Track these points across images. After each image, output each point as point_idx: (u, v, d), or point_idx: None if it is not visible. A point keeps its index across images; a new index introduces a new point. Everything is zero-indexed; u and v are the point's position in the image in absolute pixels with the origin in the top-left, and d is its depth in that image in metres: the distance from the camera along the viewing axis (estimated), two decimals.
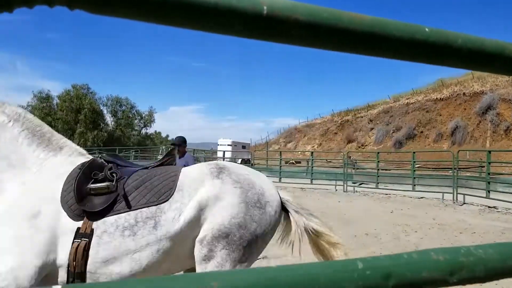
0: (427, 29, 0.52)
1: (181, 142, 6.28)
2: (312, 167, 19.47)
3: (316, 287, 0.44)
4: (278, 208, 2.54)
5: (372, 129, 40.13)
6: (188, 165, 5.84)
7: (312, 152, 22.44)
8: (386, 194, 14.41)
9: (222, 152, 23.74)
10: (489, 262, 0.60)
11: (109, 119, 50.11)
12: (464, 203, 11.83)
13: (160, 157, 23.54)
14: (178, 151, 6.20)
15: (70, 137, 43.18)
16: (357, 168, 20.66)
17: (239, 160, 35.99)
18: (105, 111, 49.37)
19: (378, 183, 15.55)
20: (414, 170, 14.74)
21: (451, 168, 14.41)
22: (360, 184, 16.96)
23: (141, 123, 53.24)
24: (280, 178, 18.38)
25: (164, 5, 0.38)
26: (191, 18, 0.40)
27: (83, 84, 47.63)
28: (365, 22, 0.47)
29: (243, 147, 41.88)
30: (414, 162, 14.87)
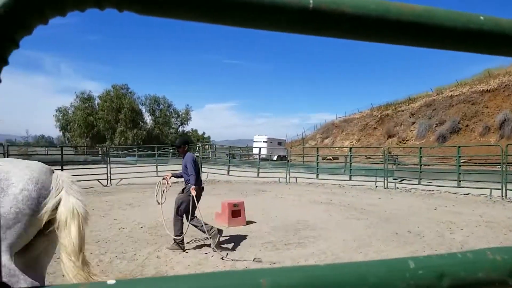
0: (482, 18, 0.49)
1: (181, 143, 6.41)
2: (351, 163, 19.09)
3: (365, 286, 0.43)
4: (27, 190, 2.61)
5: (413, 123, 38.77)
6: (186, 164, 5.97)
7: (350, 148, 21.98)
8: (429, 191, 13.88)
9: (257, 149, 23.72)
10: None
11: (147, 117, 51.71)
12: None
13: (197, 154, 23.88)
14: (179, 151, 6.43)
15: (111, 136, 45.00)
16: (398, 164, 20.02)
17: (275, 157, 35.99)
18: (143, 110, 51.00)
19: (420, 179, 15.00)
20: (460, 166, 14.09)
21: (499, 163, 13.66)
22: (401, 181, 16.44)
23: (178, 121, 54.45)
24: (318, 174, 18.16)
25: (212, 4, 0.38)
26: (237, 15, 0.40)
27: (123, 84, 49.42)
28: (416, 12, 0.45)
29: (279, 143, 41.82)
30: (460, 157, 14.20)
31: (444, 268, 0.48)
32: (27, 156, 25.44)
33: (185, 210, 5.94)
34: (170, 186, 6.32)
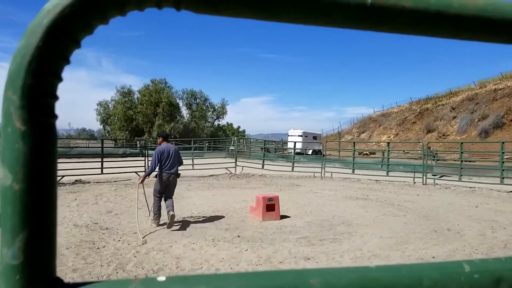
0: None
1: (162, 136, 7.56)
2: (388, 158, 18.61)
3: None
4: None
5: (454, 117, 37.20)
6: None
7: (388, 143, 21.43)
8: (470, 188, 13.30)
9: (292, 143, 23.56)
10: None
11: (184, 111, 52.59)
12: None
13: (232, 147, 24.26)
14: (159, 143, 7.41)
15: (149, 129, 46.18)
16: (438, 160, 19.28)
17: (310, 151, 35.66)
18: (181, 104, 51.86)
19: (461, 175, 14.40)
20: (503, 162, 13.38)
21: None
22: (441, 177, 15.85)
23: (214, 115, 55.05)
24: (353, 169, 17.85)
25: (269, 1, 0.38)
26: (295, 11, 0.40)
27: (161, 79, 50.41)
28: (479, 6, 0.42)
29: (314, 137, 41.35)
30: (503, 153, 13.49)
31: (501, 273, 0.46)
32: (69, 149, 26.71)
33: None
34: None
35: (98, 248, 5.46)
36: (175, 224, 6.99)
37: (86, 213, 7.84)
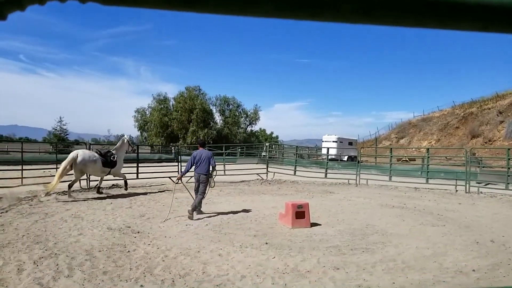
0: None
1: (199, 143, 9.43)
2: (428, 165, 17.81)
3: None
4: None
5: (502, 122, 35.11)
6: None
7: (428, 149, 20.55)
8: None
9: (326, 149, 23.08)
10: None
11: (217, 117, 53.17)
12: None
13: (264, 153, 24.36)
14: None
15: (184, 135, 47.04)
16: (483, 167, 18.23)
17: (345, 157, 34.89)
18: (214, 110, 52.48)
19: (508, 183, 13.50)
20: None
21: None
22: (486, 185, 14.97)
23: (247, 121, 55.23)
24: (391, 176, 17.23)
25: None
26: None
27: (195, 86, 51.32)
28: None
29: (350, 143, 40.45)
30: None
31: None
32: None
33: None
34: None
35: (128, 251, 5.54)
36: (205, 227, 7.01)
37: (120, 217, 8.02)
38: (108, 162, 11.37)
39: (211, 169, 8.69)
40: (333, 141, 36.92)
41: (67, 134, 48.05)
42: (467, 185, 13.95)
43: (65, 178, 10.92)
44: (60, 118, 46.27)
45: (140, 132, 51.84)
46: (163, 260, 5.12)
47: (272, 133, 62.87)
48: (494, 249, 6.03)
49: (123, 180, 12.23)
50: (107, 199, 10.46)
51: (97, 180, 11.81)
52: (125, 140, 12.43)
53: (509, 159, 14.26)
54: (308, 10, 0.40)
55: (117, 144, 12.38)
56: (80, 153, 10.82)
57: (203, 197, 8.62)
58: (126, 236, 6.42)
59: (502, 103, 37.62)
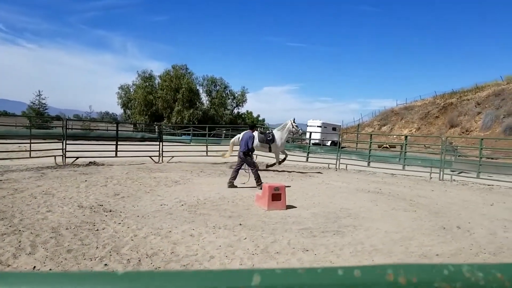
0: None
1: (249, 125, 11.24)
2: (405, 152, 18.11)
3: None
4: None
5: (479, 113, 35.91)
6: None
7: (406, 136, 20.85)
8: (488, 185, 12.83)
9: (309, 134, 23.14)
10: None
11: (204, 98, 52.60)
12: None
13: None
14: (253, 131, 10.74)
15: (169, 114, 46.49)
16: (458, 156, 18.65)
17: (329, 142, 35.15)
18: (200, 91, 51.86)
19: (479, 172, 13.88)
20: None
21: None
22: (459, 173, 15.35)
23: (234, 102, 54.86)
24: (369, 162, 17.47)
25: None
26: None
27: (182, 65, 50.46)
28: None
29: (334, 129, 40.71)
30: None
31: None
32: (89, 131, 27.21)
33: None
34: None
35: (97, 230, 5.49)
36: (180, 207, 7.02)
37: (93, 195, 7.92)
38: (266, 140, 13.60)
39: (246, 148, 10.01)
40: (317, 126, 37.15)
41: (46, 109, 46.92)
42: (441, 173, 14.28)
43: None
44: (39, 92, 45.08)
45: (124, 109, 50.95)
46: (132, 240, 5.10)
47: (258, 115, 62.66)
48: (459, 235, 6.22)
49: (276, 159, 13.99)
50: (82, 176, 10.31)
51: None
52: (289, 123, 14.03)
53: (481, 148, 14.62)
54: None
55: (281, 125, 14.26)
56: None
57: (254, 169, 10.02)
58: (96, 214, 6.35)
59: (481, 95, 38.37)
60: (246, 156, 10.04)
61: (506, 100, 34.27)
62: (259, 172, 10.24)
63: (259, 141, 13.34)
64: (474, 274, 0.44)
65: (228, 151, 13.57)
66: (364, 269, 0.45)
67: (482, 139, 15.00)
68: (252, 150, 10.30)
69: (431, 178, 14.40)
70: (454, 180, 13.82)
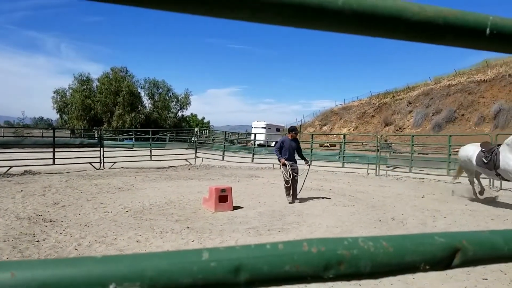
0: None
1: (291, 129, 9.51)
2: (344, 150, 19.09)
3: (138, 280, 0.42)
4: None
5: (411, 112, 38.72)
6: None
7: (344, 135, 21.93)
8: (420, 179, 13.94)
9: (254, 135, 23.59)
10: (377, 257, 0.56)
11: (146, 101, 51.26)
12: (501, 189, 11.27)
13: (194, 138, 23.73)
14: (291, 135, 9.25)
15: (109, 119, 44.75)
16: (393, 152, 20.03)
17: (273, 143, 35.92)
18: (142, 94, 50.50)
19: (411, 167, 15.05)
20: (450, 154, 14.10)
21: None
22: (394, 168, 16.49)
23: (178, 105, 54.04)
24: (311, 161, 18.16)
25: None
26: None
27: (122, 67, 48.81)
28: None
29: (277, 129, 41.71)
30: (450, 146, 14.21)
31: (242, 261, 0.48)
32: (22, 138, 25.39)
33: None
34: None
35: (38, 241, 5.26)
36: (125, 213, 6.88)
37: (31, 205, 7.52)
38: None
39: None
40: (262, 127, 37.90)
41: None
42: (377, 169, 15.28)
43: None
44: None
45: (60, 114, 48.12)
46: (76, 249, 4.96)
47: (203, 118, 62.31)
48: (394, 225, 6.76)
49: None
50: (18, 186, 9.70)
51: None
52: None
53: (412, 145, 15.86)
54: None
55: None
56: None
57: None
58: (36, 225, 6.06)
59: (412, 94, 41.32)
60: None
61: (434, 99, 37.21)
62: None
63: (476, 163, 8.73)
64: (366, 243, 0.60)
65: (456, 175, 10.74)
66: (286, 243, 0.60)
67: (413, 136, 16.30)
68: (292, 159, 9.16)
69: (368, 174, 15.32)
70: (389, 175, 14.84)
